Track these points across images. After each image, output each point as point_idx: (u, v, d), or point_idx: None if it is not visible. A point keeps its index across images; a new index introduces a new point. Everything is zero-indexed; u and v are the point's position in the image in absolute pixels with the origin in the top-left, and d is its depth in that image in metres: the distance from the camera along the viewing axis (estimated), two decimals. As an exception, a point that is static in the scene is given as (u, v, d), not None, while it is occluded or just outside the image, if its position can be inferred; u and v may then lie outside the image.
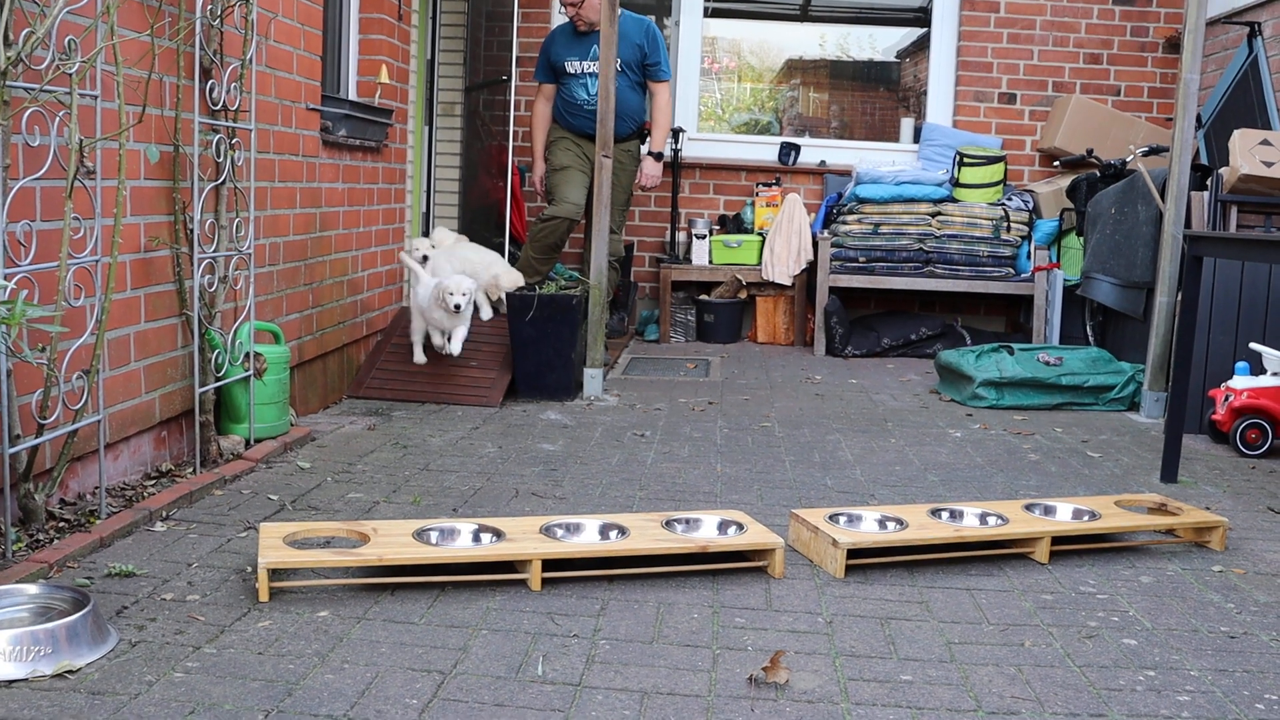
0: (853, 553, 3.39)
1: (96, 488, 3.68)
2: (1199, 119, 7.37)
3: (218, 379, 4.40)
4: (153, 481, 4.06)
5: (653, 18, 7.43)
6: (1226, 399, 5.27)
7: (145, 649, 2.69)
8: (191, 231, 4.19)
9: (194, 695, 2.46)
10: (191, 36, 4.14)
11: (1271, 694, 2.67)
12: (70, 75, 3.31)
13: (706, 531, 3.50)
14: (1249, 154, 6.18)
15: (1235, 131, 6.34)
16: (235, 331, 4.50)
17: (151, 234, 4.05)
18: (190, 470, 4.21)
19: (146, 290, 4.04)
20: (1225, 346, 5.63)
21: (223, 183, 4.37)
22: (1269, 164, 6.14)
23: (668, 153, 7.91)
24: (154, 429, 4.19)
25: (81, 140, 3.37)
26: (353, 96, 6.29)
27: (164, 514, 3.70)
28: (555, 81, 7.15)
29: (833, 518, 3.61)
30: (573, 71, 7.00)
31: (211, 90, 4.25)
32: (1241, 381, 5.27)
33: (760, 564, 3.39)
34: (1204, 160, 7.41)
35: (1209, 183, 6.38)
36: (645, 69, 7.08)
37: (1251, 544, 3.87)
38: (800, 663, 2.76)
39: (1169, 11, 8.67)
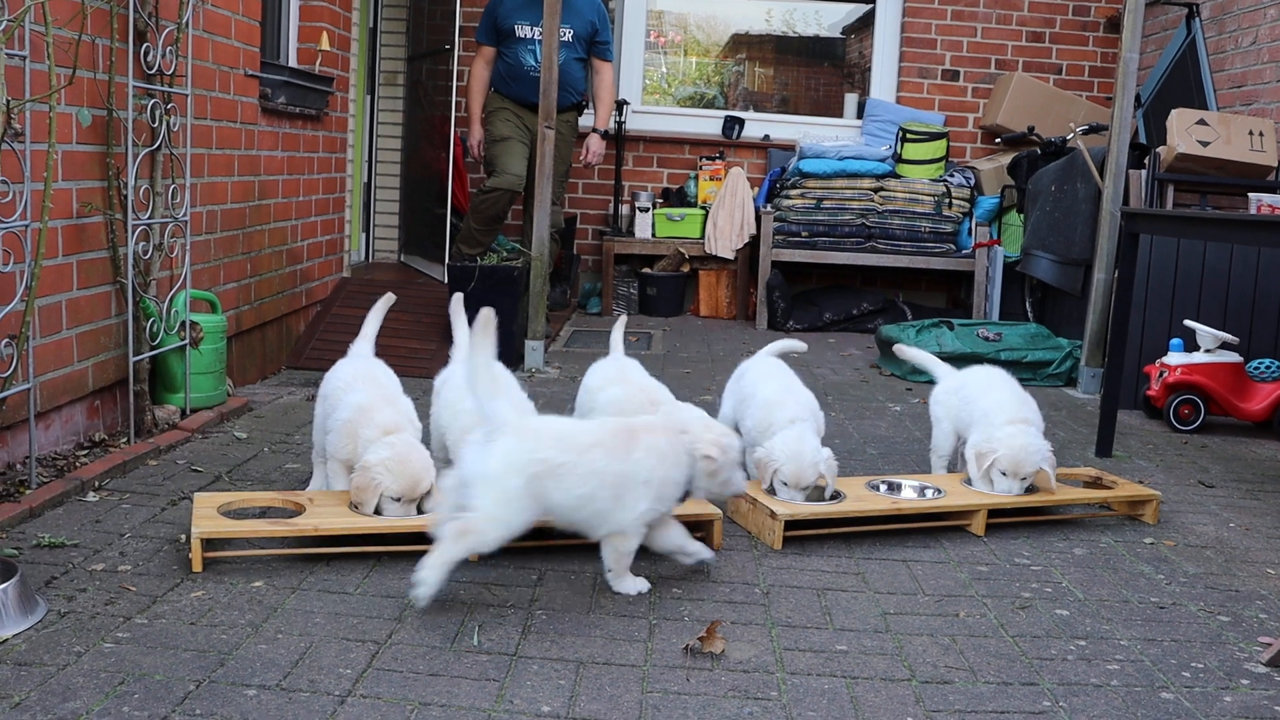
0: (790, 524, 3.41)
1: (27, 457, 3.61)
2: (1138, 98, 7.45)
3: (153, 348, 4.33)
4: (85, 451, 4.00)
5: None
6: (1161, 375, 5.34)
7: (74, 620, 2.65)
8: (126, 198, 4.12)
9: (124, 666, 2.43)
10: (125, -2, 4.06)
11: (1198, 663, 2.72)
12: (-2, 35, 3.23)
13: (646, 503, 3.49)
14: (1186, 133, 6.26)
15: (1173, 111, 6.42)
16: (171, 300, 4.44)
17: (84, 199, 3.97)
18: (124, 440, 4.15)
19: (79, 257, 3.97)
20: (1160, 323, 5.70)
21: (158, 148, 4.30)
22: (1205, 143, 6.23)
23: (611, 126, 7.88)
24: (87, 398, 4.12)
25: (9, 101, 3.29)
26: (293, 63, 6.20)
27: (96, 484, 3.65)
28: (497, 45, 7.03)
29: (771, 490, 3.62)
30: (522, 35, 6.86)
31: (146, 54, 4.17)
32: (1176, 358, 5.34)
33: (698, 535, 3.39)
34: (1143, 139, 7.50)
35: (1147, 161, 6.45)
36: (593, 45, 7.01)
37: (1182, 517, 3.94)
38: (736, 633, 2.77)
39: (1110, -9, 8.75)
